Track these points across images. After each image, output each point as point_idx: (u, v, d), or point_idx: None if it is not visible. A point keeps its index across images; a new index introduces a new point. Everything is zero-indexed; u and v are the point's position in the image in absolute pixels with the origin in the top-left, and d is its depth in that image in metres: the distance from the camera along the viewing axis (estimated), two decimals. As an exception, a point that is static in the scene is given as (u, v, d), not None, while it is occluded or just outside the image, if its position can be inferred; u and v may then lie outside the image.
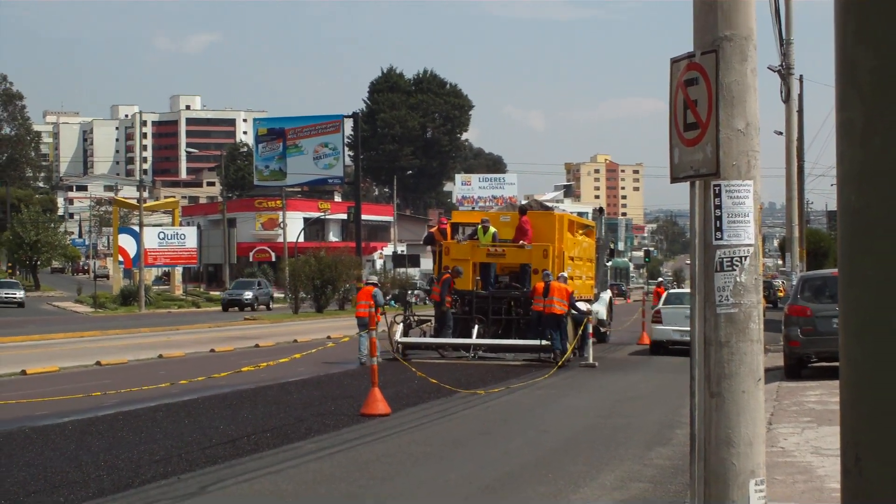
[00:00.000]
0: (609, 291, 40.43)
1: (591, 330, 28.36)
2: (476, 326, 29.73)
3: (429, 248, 33.72)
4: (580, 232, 34.73)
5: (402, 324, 30.32)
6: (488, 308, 30.23)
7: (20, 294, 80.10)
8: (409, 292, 32.36)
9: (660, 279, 63.69)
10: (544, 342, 28.11)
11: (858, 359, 2.82)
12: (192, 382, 22.18)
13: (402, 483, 12.27)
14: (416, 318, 31.58)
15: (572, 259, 32.44)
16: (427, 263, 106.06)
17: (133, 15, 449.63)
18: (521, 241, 30.55)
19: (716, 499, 6.97)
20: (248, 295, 75.60)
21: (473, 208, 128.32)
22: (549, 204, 35.33)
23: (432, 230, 33.85)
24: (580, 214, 48.09)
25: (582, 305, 30.86)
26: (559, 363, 27.19)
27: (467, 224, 33.33)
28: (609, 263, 43.12)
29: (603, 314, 36.81)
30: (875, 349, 2.74)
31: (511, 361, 28.61)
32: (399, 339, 29.59)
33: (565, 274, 29.57)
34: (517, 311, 30.24)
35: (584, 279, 34.26)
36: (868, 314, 2.78)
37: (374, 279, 31.90)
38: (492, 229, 31.04)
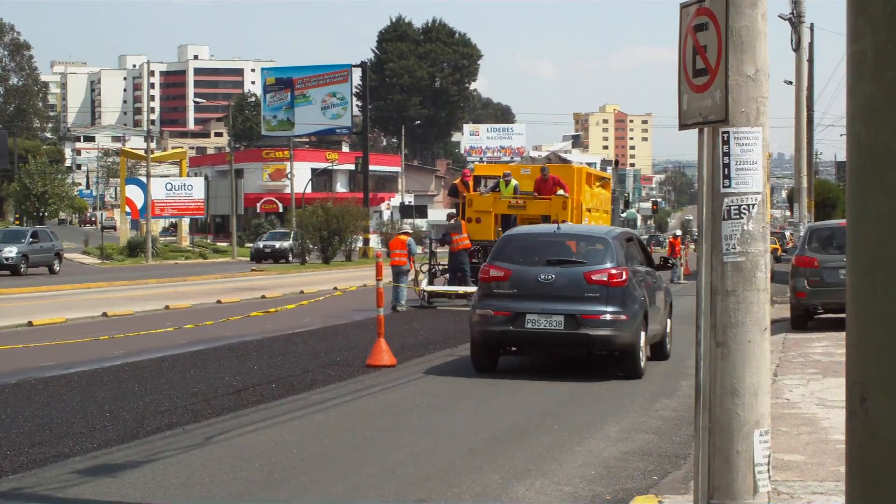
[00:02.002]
0: None
1: None
2: None
3: (453, 198, 34.72)
4: (597, 184, 35.51)
5: (427, 273, 31.74)
6: None
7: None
8: (432, 241, 33.74)
9: (676, 231, 63.79)
10: None
11: (866, 295, 2.75)
12: (198, 331, 22.18)
13: (406, 434, 12.24)
14: (440, 267, 32.58)
15: (589, 210, 33.17)
16: (434, 214, 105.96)
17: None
18: (559, 192, 31.20)
19: (720, 449, 6.92)
20: (10, 252, 50.60)
21: (482, 159, 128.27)
22: (563, 156, 36.12)
23: (456, 182, 34.68)
24: (588, 165, 48.72)
25: None
26: None
27: (490, 177, 34.30)
28: (624, 215, 44.16)
29: None
30: (884, 285, 2.67)
31: None
32: (425, 288, 31.06)
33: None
34: None
35: None
36: (877, 249, 2.70)
37: (407, 228, 33.24)
38: (513, 182, 31.92)
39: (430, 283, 31.78)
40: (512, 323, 16.45)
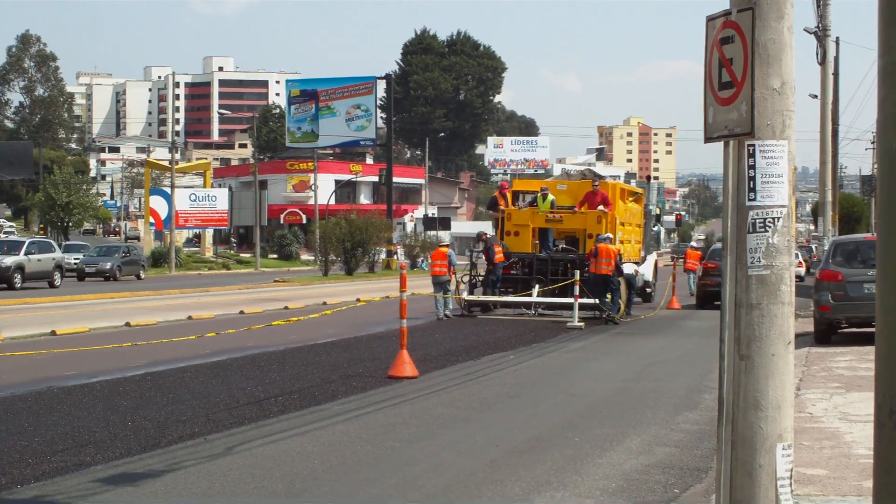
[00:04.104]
0: (655, 254, 43.15)
1: (577, 293, 29.31)
2: (536, 286, 31.94)
3: (492, 212, 36.09)
4: (630, 199, 36.97)
5: (468, 283, 33.06)
6: (547, 269, 32.45)
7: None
8: (474, 253, 34.83)
9: (692, 243, 63.48)
10: (596, 301, 30.15)
11: (896, 307, 2.70)
12: (221, 341, 22.23)
13: (427, 445, 12.22)
14: (480, 277, 33.63)
15: (623, 224, 34.56)
16: (457, 227, 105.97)
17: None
18: (600, 207, 32.72)
19: (742, 463, 6.88)
20: None
21: (505, 171, 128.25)
22: (601, 174, 38.12)
23: (496, 195, 35.79)
24: (613, 177, 49.52)
25: (629, 267, 33.53)
26: (613, 319, 29.96)
27: (527, 192, 35.82)
28: (655, 228, 45.60)
29: (649, 275, 39.60)
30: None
31: (568, 319, 29.55)
32: (465, 297, 32.39)
33: (610, 235, 31.49)
34: (573, 272, 31.32)
35: (632, 243, 36.58)
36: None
37: (447, 241, 34.24)
38: (550, 197, 33.48)
39: (471, 293, 32.90)
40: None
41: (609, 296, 30.30)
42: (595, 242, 30.80)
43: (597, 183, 33.73)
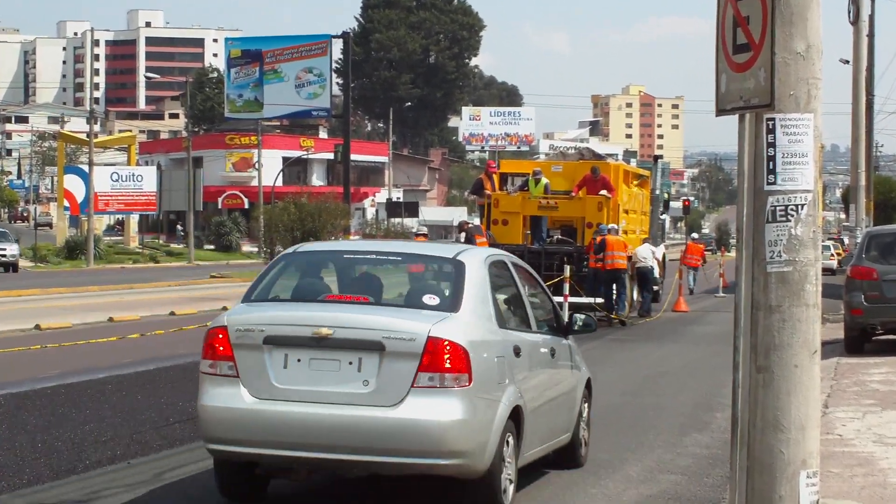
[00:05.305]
0: (663, 247, 43.25)
1: (566, 292, 29.39)
2: None
3: (475, 198, 35.90)
4: (635, 183, 37.16)
5: None
6: (540, 264, 31.75)
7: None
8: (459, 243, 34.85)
9: (693, 234, 63.26)
10: (599, 300, 30.86)
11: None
12: (147, 347, 22.15)
13: (391, 470, 12.20)
14: None
15: (626, 212, 34.75)
16: (427, 213, 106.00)
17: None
18: (602, 192, 32.73)
19: (760, 493, 6.89)
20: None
21: (483, 147, 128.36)
22: (601, 153, 38.05)
23: (481, 177, 35.83)
24: (612, 157, 49.68)
25: (646, 253, 34.49)
26: (623, 321, 31.10)
27: (517, 174, 35.55)
28: (664, 217, 45.21)
29: (656, 271, 38.64)
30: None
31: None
32: None
33: (617, 227, 31.96)
34: (571, 266, 31.51)
35: (637, 233, 36.56)
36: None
37: (425, 230, 34.32)
38: (544, 180, 33.21)
39: None
40: None
41: (615, 294, 31.15)
42: (597, 234, 31.09)
43: (596, 168, 33.60)
